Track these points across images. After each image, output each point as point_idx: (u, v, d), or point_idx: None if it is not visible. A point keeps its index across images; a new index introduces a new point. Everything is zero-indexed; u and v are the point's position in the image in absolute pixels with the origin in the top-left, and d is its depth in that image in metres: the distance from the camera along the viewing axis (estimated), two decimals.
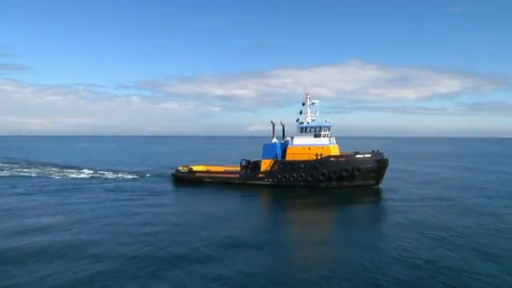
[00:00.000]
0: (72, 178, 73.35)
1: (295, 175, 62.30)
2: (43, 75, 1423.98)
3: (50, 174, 78.63)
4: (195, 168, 74.10)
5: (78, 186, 63.52)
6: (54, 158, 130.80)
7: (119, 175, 78.00)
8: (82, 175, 77.81)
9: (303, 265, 26.07)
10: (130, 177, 76.52)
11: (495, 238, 31.87)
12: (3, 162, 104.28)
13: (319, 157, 62.33)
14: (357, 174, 60.24)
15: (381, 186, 63.10)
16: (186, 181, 70.32)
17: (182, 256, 27.33)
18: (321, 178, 60.91)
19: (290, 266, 25.80)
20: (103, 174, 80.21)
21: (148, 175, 79.22)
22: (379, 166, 61.82)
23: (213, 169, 74.34)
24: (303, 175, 61.83)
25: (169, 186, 65.80)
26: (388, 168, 63.40)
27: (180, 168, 73.97)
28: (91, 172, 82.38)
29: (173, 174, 73.43)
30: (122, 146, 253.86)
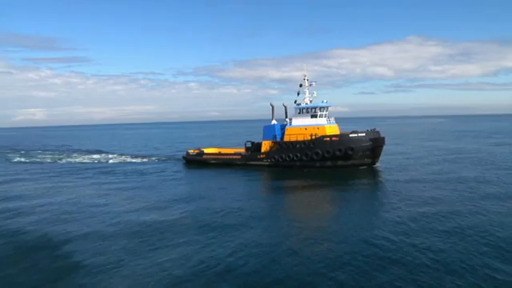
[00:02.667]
0: (97, 162, 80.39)
1: (291, 155, 63.86)
2: (105, 66, 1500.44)
3: (76, 159, 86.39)
4: (206, 150, 77.61)
5: (104, 168, 70.33)
6: (95, 144, 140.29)
7: (140, 159, 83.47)
8: (113, 160, 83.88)
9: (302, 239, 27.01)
10: (146, 160, 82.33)
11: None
12: (45, 150, 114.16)
13: (314, 137, 63.37)
14: (350, 153, 60.68)
15: (379, 164, 63.04)
16: (194, 162, 74.05)
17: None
18: (315, 157, 62.02)
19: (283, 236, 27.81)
20: (117, 157, 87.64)
21: (164, 158, 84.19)
22: (374, 144, 61.73)
23: (224, 151, 77.53)
24: (298, 155, 63.27)
25: (179, 168, 69.64)
26: (402, 146, 62.51)
27: (190, 151, 77.76)
28: (112, 156, 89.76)
29: (183, 157, 77.44)
30: (169, 132, 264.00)
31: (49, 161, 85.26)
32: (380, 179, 53.15)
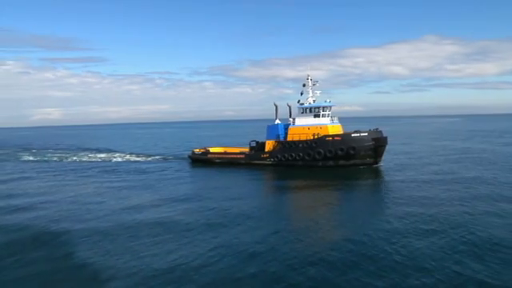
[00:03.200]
0: (101, 161, 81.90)
1: (293, 155, 64.29)
2: (120, 66, 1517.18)
3: (82, 158, 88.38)
4: (212, 150, 78.47)
5: (107, 167, 71.79)
6: (105, 143, 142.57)
7: (144, 158, 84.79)
8: (118, 159, 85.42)
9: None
10: (150, 158, 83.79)
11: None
12: (56, 149, 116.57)
13: (316, 136, 63.69)
14: (352, 152, 60.83)
15: (382, 164, 63.03)
16: (199, 161, 74.98)
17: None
18: (317, 157, 62.33)
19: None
20: (125, 156, 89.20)
21: (170, 157, 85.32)
22: (376, 144, 61.77)
23: (229, 150, 78.26)
24: (301, 155, 63.67)
25: (182, 167, 70.56)
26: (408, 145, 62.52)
27: (195, 150, 78.70)
28: (118, 155, 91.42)
29: (189, 156, 78.42)
30: (181, 131, 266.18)
31: (55, 159, 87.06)
32: (379, 179, 53.44)
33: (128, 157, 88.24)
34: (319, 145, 62.51)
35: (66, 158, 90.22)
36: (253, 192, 46.71)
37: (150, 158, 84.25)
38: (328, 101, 67.11)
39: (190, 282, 19.97)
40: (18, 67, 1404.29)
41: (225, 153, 75.52)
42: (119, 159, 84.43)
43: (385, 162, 64.39)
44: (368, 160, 62.10)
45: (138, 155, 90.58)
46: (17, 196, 45.29)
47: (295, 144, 65.02)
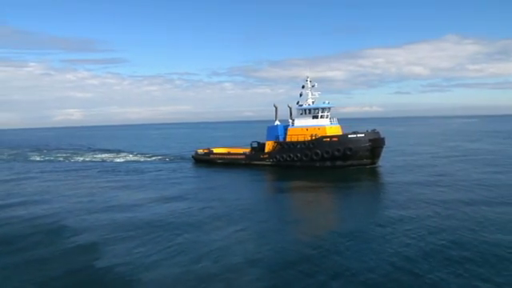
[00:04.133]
0: (101, 161, 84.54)
1: (292, 155, 65.06)
2: (140, 67, 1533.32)
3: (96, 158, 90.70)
4: (215, 150, 79.83)
5: (107, 167, 73.56)
6: (116, 144, 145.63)
7: (150, 159, 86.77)
8: (121, 159, 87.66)
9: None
10: (153, 158, 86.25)
11: None
12: (66, 149, 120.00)
13: (314, 137, 64.36)
14: (348, 153, 61.27)
15: (381, 164, 63.39)
16: (202, 161, 76.42)
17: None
18: (315, 157, 62.98)
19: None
20: (137, 156, 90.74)
21: (174, 157, 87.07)
22: (373, 145, 62.07)
23: (233, 150, 79.42)
24: (299, 155, 64.40)
25: (183, 167, 72.00)
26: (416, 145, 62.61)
27: (199, 151, 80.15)
28: (123, 155, 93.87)
29: (192, 156, 79.95)
30: (196, 132, 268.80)
31: (61, 159, 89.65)
32: (375, 180, 54.35)
33: (133, 157, 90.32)
34: (316, 145, 63.16)
35: (72, 158, 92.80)
36: (244, 192, 47.36)
37: (155, 159, 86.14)
38: (327, 102, 67.69)
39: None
40: (39, 69, 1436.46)
41: (226, 153, 76.77)
42: (121, 159, 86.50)
43: (386, 163, 64.88)
44: (365, 161, 62.40)
45: (144, 155, 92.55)
46: (15, 195, 47.04)
47: (293, 145, 65.84)
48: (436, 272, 20.62)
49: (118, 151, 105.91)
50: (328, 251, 24.48)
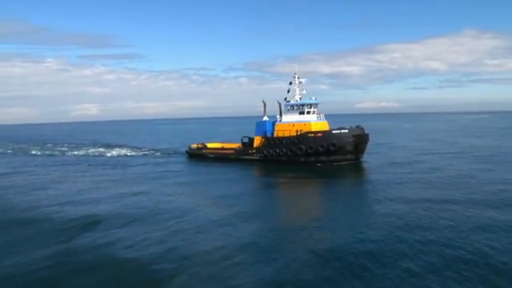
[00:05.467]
0: (96, 155, 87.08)
1: (277, 150, 66.44)
2: (156, 62, 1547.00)
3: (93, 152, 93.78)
4: (209, 145, 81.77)
5: (99, 160, 76.43)
6: (120, 139, 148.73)
7: (145, 153, 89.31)
8: (116, 153, 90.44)
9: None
10: (151, 153, 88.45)
11: None
12: (70, 143, 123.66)
13: (299, 133, 65.60)
14: (332, 149, 62.31)
15: (365, 160, 64.43)
16: (195, 156, 78.42)
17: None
18: (299, 153, 64.23)
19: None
20: (137, 151, 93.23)
21: (170, 152, 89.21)
22: (357, 141, 63.00)
23: (226, 145, 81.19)
24: (284, 150, 65.73)
25: (173, 161, 74.08)
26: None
27: (192, 145, 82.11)
28: (134, 150, 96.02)
29: (186, 151, 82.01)
30: (204, 127, 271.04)
31: (57, 153, 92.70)
32: (358, 176, 55.78)
33: (130, 152, 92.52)
34: (301, 141, 64.36)
35: (70, 152, 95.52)
36: (228, 186, 48.53)
37: (151, 153, 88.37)
38: (313, 98, 68.81)
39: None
40: (57, 64, 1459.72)
41: (217, 148, 78.68)
42: (115, 154, 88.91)
43: (372, 159, 65.83)
44: (349, 156, 63.32)
45: (142, 150, 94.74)
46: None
47: (279, 140, 67.20)
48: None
49: (120, 145, 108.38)
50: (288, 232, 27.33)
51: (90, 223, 31.13)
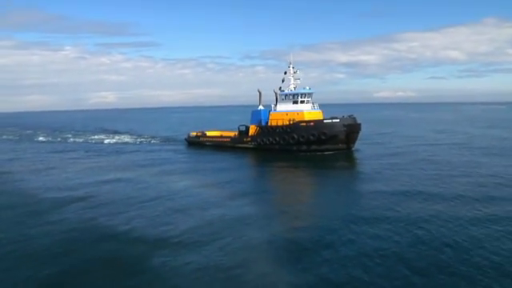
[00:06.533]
0: (94, 142, 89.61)
1: (271, 139, 67.59)
2: (173, 50, 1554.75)
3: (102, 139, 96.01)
4: (208, 133, 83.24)
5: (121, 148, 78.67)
6: (127, 126, 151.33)
7: (146, 140, 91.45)
8: (117, 140, 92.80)
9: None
10: (152, 141, 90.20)
11: None
12: (77, 130, 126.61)
13: (291, 122, 66.57)
14: (323, 138, 63.17)
15: (357, 148, 65.20)
16: (194, 144, 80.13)
17: None
18: (291, 141, 65.29)
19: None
20: (138, 138, 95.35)
21: (170, 140, 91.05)
22: (348, 130, 63.70)
23: (225, 134, 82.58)
24: (277, 139, 66.85)
25: (170, 149, 75.64)
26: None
27: (192, 133, 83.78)
28: (134, 137, 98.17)
29: (185, 139, 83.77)
30: (215, 115, 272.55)
31: (59, 140, 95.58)
32: (349, 165, 56.76)
33: (129, 139, 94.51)
34: (293, 130, 65.32)
35: (72, 138, 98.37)
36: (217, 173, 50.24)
37: (150, 140, 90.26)
38: (307, 88, 69.57)
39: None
40: (75, 52, 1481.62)
41: (215, 136, 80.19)
42: (112, 141, 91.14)
43: (366, 148, 66.61)
44: (340, 145, 64.12)
45: (143, 137, 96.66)
46: None
47: (273, 129, 68.28)
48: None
49: (125, 133, 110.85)
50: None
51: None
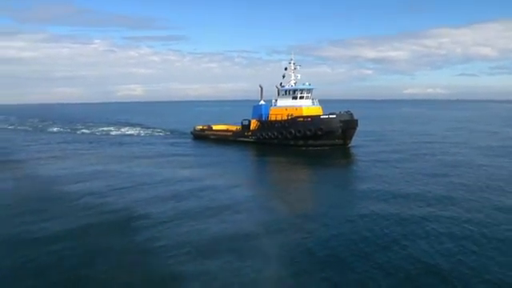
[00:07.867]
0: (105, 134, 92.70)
1: (270, 133, 68.93)
2: (200, 44, 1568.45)
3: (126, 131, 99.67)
4: (214, 127, 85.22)
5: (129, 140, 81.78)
6: (146, 119, 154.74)
7: (155, 133, 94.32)
8: (129, 132, 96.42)
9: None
10: (160, 134, 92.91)
11: None
12: (95, 122, 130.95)
13: (290, 117, 67.60)
14: (319, 133, 63.96)
15: (353, 144, 65.68)
16: (199, 137, 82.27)
17: None
18: (288, 136, 66.39)
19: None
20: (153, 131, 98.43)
21: (178, 133, 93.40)
22: (345, 126, 64.24)
23: (230, 128, 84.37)
24: (275, 134, 68.11)
25: (174, 142, 77.96)
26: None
27: (197, 127, 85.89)
28: (142, 129, 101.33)
29: (191, 132, 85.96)
30: (237, 109, 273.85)
31: (69, 131, 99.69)
32: (344, 160, 58.04)
33: (138, 131, 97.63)
34: (291, 125, 66.34)
35: (85, 130, 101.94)
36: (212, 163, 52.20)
37: (158, 133, 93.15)
38: (307, 84, 70.38)
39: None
40: (103, 46, 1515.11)
41: (222, 130, 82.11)
42: (119, 132, 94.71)
43: (365, 145, 67.22)
44: (337, 141, 64.80)
45: (153, 130, 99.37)
46: None
47: (272, 124, 69.55)
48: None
49: (139, 125, 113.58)
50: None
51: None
